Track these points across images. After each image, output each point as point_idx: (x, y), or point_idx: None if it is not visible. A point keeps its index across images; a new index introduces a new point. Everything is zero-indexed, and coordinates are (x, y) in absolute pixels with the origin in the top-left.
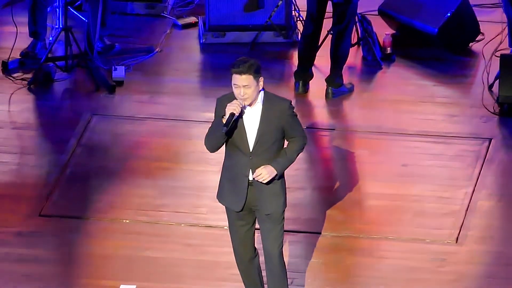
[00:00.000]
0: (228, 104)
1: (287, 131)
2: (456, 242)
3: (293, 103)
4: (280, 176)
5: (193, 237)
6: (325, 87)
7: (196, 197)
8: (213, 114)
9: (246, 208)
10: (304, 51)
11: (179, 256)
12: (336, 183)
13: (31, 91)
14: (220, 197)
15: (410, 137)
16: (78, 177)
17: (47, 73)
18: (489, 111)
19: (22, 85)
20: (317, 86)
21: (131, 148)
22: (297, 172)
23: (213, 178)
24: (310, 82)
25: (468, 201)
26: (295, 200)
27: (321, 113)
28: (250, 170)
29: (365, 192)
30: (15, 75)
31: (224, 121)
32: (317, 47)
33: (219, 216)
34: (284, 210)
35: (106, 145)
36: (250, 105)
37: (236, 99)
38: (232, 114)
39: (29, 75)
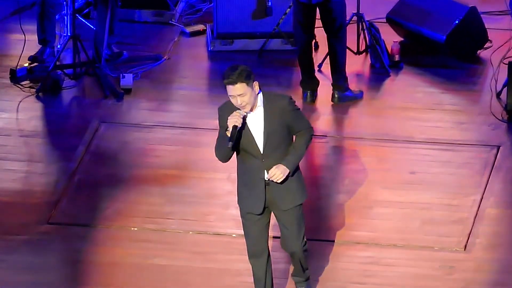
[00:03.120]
0: (228, 118)
1: (292, 126)
2: (465, 249)
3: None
4: (293, 172)
5: (201, 245)
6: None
7: (204, 205)
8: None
9: (266, 209)
10: (303, 59)
11: (187, 264)
12: (343, 190)
13: (39, 99)
14: (240, 203)
15: (418, 144)
16: (86, 184)
17: (55, 81)
18: (497, 118)
19: (30, 93)
20: (324, 94)
21: (139, 156)
22: (304, 179)
23: (221, 185)
24: (318, 89)
25: (476, 209)
26: (303, 207)
27: (329, 120)
28: (265, 171)
29: (373, 200)
30: (23, 83)
31: (228, 134)
32: (312, 54)
33: (227, 224)
34: (302, 204)
35: (114, 152)
36: (251, 110)
37: (236, 109)
38: (234, 127)
39: (37, 83)
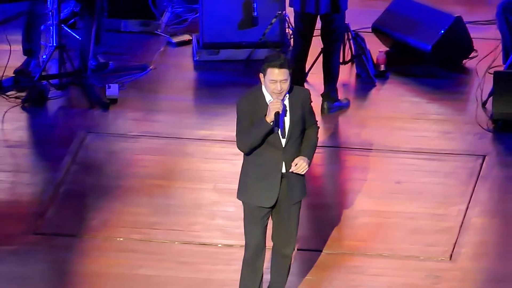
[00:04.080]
0: (270, 104)
1: (308, 118)
2: (450, 259)
3: None
4: None
5: (187, 255)
6: (320, 104)
7: (190, 215)
8: (212, 129)
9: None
10: (295, 68)
11: (173, 274)
12: (330, 200)
13: (25, 109)
14: (246, 196)
15: (404, 154)
16: (73, 195)
17: (41, 91)
18: (482, 128)
19: (16, 103)
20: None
21: (125, 166)
22: None
23: (207, 196)
24: None
25: (462, 218)
26: None
27: None
28: (284, 163)
29: (359, 209)
30: (9, 93)
31: (269, 120)
32: (305, 64)
33: (213, 234)
34: (302, 198)
35: (100, 163)
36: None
37: (261, 100)
38: (277, 113)
39: (23, 94)
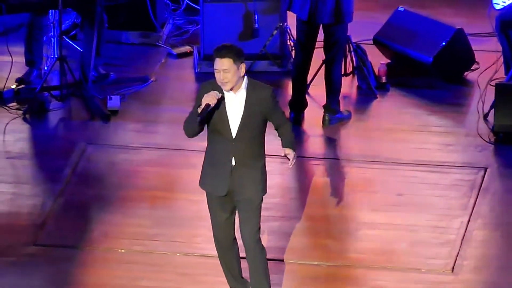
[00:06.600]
0: (205, 95)
1: (272, 117)
2: (452, 271)
3: None
4: (262, 164)
5: (188, 267)
6: (321, 116)
7: (191, 227)
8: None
9: (228, 194)
10: (296, 79)
11: (174, 285)
12: (331, 212)
13: (26, 121)
14: (203, 183)
15: (405, 166)
16: (73, 206)
17: (42, 103)
18: (484, 140)
19: (17, 115)
20: (313, 115)
21: (126, 177)
22: (291, 201)
23: None
24: (305, 111)
25: (463, 231)
26: (290, 229)
27: (316, 142)
28: (233, 156)
29: (360, 222)
30: (10, 104)
31: (199, 110)
32: (307, 75)
33: (214, 246)
34: (262, 198)
35: (101, 174)
36: (233, 90)
37: (218, 88)
38: (207, 105)
39: (24, 105)
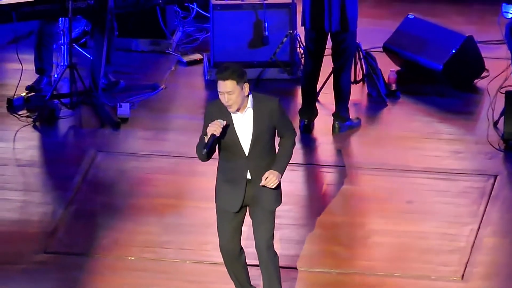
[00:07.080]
0: (209, 125)
1: (278, 128)
2: (462, 279)
3: (297, 139)
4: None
5: (198, 274)
6: (331, 123)
7: (201, 234)
8: None
9: (242, 208)
10: (306, 88)
11: None
12: (341, 220)
13: (36, 129)
14: (218, 200)
15: (415, 173)
16: (83, 214)
17: (52, 110)
18: (494, 147)
19: (27, 123)
20: (322, 123)
21: (136, 185)
22: (301, 209)
23: None
24: (315, 119)
25: (473, 238)
26: (300, 237)
27: (326, 150)
28: (248, 171)
29: (371, 229)
30: (20, 112)
31: (206, 140)
32: (317, 83)
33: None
34: (276, 207)
35: (111, 181)
36: (240, 111)
37: (224, 109)
38: (212, 135)
39: (34, 113)
